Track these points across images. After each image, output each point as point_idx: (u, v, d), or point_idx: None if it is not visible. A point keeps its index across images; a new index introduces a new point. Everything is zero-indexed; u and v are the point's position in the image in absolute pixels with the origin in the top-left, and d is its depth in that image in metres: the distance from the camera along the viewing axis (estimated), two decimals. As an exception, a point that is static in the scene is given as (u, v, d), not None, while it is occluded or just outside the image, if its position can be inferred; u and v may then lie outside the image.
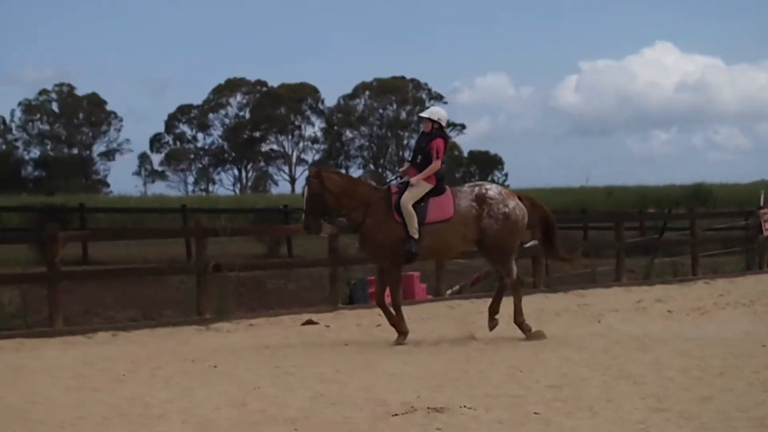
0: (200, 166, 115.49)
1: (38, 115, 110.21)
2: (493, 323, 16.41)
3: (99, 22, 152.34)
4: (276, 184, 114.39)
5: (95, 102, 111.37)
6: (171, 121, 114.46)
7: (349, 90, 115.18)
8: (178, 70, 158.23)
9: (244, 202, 64.33)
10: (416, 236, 15.83)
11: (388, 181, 16.99)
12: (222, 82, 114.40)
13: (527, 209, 16.53)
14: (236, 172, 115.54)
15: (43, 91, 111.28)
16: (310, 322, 19.08)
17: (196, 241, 20.33)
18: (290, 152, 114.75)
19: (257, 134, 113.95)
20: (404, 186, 16.06)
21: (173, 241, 32.27)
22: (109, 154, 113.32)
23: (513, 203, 16.37)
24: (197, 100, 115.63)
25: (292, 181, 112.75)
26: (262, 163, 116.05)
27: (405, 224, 15.86)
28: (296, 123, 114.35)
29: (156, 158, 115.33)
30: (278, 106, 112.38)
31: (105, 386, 12.53)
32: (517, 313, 16.37)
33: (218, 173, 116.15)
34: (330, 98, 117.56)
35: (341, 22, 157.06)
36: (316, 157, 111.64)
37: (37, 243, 24.87)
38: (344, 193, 15.99)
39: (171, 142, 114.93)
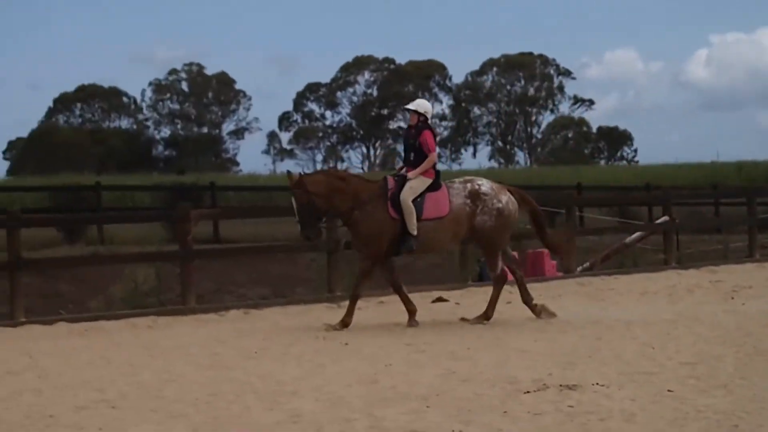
0: (328, 143, 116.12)
1: (168, 95, 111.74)
2: (537, 310, 16.26)
3: (228, 1, 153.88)
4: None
5: (224, 81, 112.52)
6: (299, 99, 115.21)
7: (476, 66, 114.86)
8: (307, 49, 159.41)
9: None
10: (415, 233, 15.58)
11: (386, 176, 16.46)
12: (350, 59, 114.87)
13: (517, 203, 16.35)
14: (364, 149, 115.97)
15: (173, 71, 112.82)
16: (440, 300, 19.13)
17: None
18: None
19: (385, 111, 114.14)
20: (401, 180, 15.76)
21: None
22: (238, 133, 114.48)
23: (506, 198, 16.18)
24: (325, 78, 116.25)
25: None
26: (389, 141, 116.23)
27: (401, 220, 15.59)
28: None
29: (285, 136, 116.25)
30: (406, 83, 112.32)
31: (237, 364, 12.72)
32: (490, 307, 16.10)
33: (346, 151, 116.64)
34: (457, 75, 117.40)
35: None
36: (444, 133, 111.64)
37: (169, 222, 25.27)
38: (333, 191, 15.69)
39: (299, 121, 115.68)
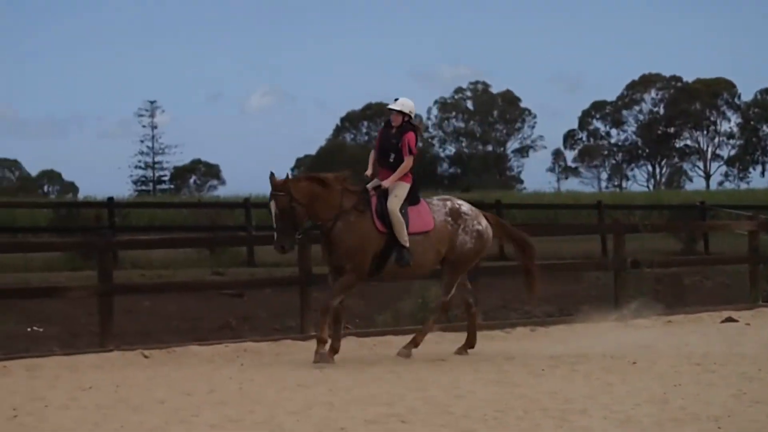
0: (614, 162, 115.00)
1: (453, 113, 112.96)
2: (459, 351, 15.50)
3: (512, 21, 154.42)
4: (690, 180, 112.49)
5: (509, 99, 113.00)
6: (584, 118, 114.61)
7: (767, 84, 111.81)
8: (592, 66, 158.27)
9: (658, 199, 63.53)
10: (407, 245, 14.55)
11: (362, 183, 15.13)
12: (636, 77, 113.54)
13: (493, 230, 15.51)
14: (650, 168, 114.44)
15: (459, 90, 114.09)
16: (729, 320, 18.69)
17: (614, 238, 20.26)
18: (705, 148, 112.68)
19: (671, 130, 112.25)
20: (382, 190, 14.71)
21: (586, 237, 32.29)
22: (522, 151, 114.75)
23: (484, 222, 15.32)
24: (611, 96, 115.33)
25: (707, 177, 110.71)
26: (675, 159, 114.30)
27: (388, 233, 14.52)
28: (711, 118, 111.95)
29: (569, 154, 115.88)
30: (693, 101, 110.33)
31: (525, 381, 12.74)
32: (422, 332, 15.41)
33: (632, 169, 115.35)
34: (747, 92, 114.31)
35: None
36: (731, 152, 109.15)
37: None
38: (315, 200, 14.48)
39: (584, 139, 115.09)
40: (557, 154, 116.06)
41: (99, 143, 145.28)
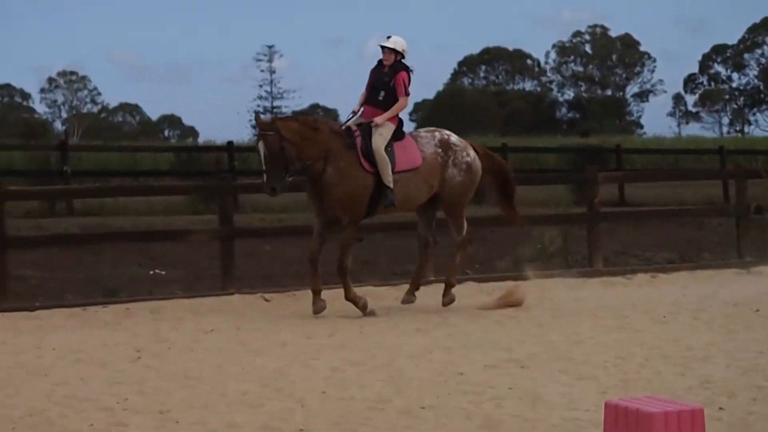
0: (735, 107, 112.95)
1: (572, 57, 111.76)
2: (409, 299, 14.86)
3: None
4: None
5: (628, 43, 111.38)
6: (705, 62, 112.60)
7: None
8: (714, 9, 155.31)
9: (781, 143, 62.37)
10: (392, 186, 13.96)
11: (345, 121, 14.71)
12: (757, 20, 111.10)
13: (481, 161, 14.91)
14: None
15: (577, 33, 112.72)
16: None
17: (736, 183, 19.95)
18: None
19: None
20: (366, 128, 14.17)
21: (708, 182, 31.81)
22: (642, 95, 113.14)
23: (473, 153, 14.78)
24: (732, 39, 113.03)
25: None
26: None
27: (375, 173, 14.00)
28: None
29: (690, 99, 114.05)
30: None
31: (647, 327, 12.65)
32: (453, 274, 14.84)
33: (754, 114, 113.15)
34: None
35: None
36: None
37: (576, 184, 25.38)
38: (305, 141, 13.88)
39: (705, 83, 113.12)
40: (677, 99, 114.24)
41: (219, 88, 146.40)
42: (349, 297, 14.15)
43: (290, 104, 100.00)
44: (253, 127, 13.56)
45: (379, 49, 14.43)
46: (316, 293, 14.09)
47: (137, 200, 24.09)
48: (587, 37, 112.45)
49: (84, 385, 10.02)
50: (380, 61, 14.34)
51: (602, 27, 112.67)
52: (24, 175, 26.11)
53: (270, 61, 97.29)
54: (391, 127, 14.09)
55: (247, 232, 18.05)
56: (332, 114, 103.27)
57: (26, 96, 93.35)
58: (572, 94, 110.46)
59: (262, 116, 14.20)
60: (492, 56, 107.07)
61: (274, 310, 14.44)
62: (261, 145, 13.80)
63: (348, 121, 14.44)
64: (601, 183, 18.73)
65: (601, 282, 17.10)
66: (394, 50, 14.16)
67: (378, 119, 13.99)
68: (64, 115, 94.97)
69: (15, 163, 27.98)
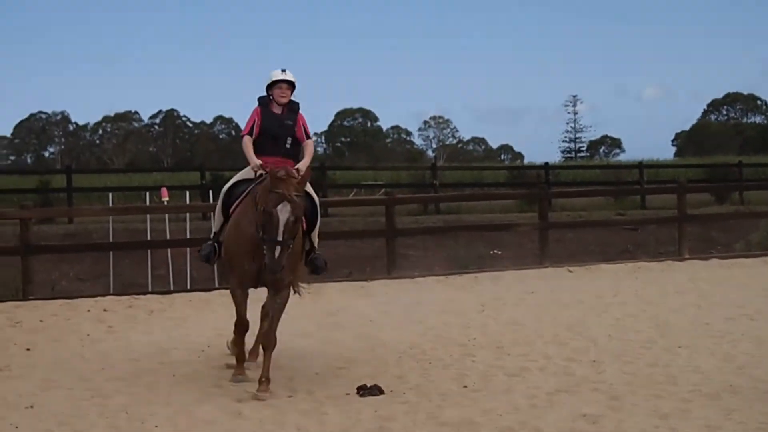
0: None
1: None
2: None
3: None
4: None
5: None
6: None
7: None
8: None
9: None
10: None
11: (260, 177, 7.73)
12: None
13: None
14: None
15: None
16: None
17: None
18: None
19: None
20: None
21: None
22: None
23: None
24: None
25: None
26: None
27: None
28: None
29: None
30: None
31: None
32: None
33: None
34: None
35: None
36: None
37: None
38: None
39: None
40: None
41: (539, 125, 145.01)
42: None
43: (587, 135, 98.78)
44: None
45: (265, 85, 8.17)
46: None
47: (483, 203, 24.38)
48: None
49: (446, 327, 10.27)
50: (267, 99, 8.16)
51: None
52: (407, 186, 26.99)
53: (574, 105, 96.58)
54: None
55: (558, 225, 18.07)
56: (617, 141, 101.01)
57: (408, 133, 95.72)
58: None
59: (281, 170, 7.33)
60: (731, 99, 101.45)
61: (576, 279, 14.34)
62: (286, 211, 7.13)
63: (262, 178, 7.67)
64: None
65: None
66: (293, 84, 8.12)
67: (301, 165, 7.86)
68: (434, 146, 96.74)
69: (402, 178, 28.88)
